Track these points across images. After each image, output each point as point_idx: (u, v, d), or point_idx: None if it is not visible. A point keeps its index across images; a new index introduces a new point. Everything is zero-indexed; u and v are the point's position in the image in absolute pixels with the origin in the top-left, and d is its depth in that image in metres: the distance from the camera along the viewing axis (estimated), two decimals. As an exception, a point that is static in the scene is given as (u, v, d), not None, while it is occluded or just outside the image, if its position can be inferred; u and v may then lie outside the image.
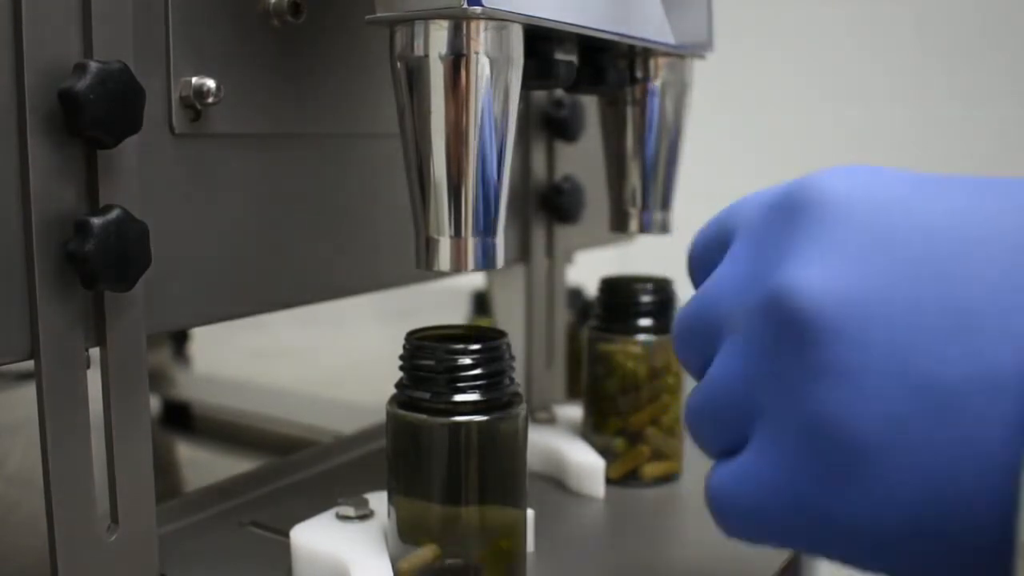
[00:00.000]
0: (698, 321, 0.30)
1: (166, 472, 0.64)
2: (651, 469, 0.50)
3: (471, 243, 0.36)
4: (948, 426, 0.22)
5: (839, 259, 0.25)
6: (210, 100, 0.38)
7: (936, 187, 0.26)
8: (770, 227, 0.28)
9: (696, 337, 0.31)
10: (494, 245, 0.37)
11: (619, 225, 0.51)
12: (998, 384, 0.22)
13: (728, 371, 0.28)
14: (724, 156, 1.65)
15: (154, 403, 0.76)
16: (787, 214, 0.27)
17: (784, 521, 0.26)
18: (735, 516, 0.28)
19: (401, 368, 0.37)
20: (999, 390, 0.22)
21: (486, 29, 0.34)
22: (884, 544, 0.24)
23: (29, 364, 0.33)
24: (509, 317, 0.59)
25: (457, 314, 0.80)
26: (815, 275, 0.25)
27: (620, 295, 0.51)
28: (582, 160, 0.61)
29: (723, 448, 0.29)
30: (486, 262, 0.36)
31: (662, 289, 0.51)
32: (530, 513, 0.40)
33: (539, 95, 0.57)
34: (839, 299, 0.24)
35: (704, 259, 0.33)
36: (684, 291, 0.54)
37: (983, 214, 0.24)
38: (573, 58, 0.45)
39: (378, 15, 0.35)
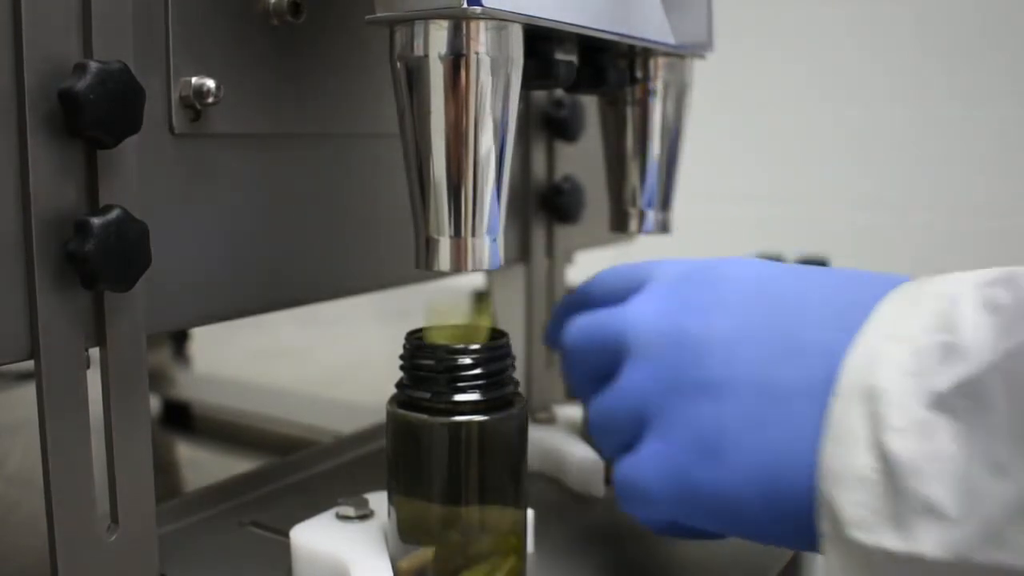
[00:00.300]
0: (609, 337, 0.38)
1: (166, 472, 0.64)
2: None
3: (471, 243, 0.36)
4: (780, 420, 0.32)
5: (725, 311, 0.35)
6: (210, 100, 0.38)
7: (802, 271, 0.37)
8: (682, 285, 0.38)
9: (597, 352, 0.39)
10: (494, 245, 0.37)
11: (619, 225, 0.51)
12: (813, 392, 0.31)
13: (635, 385, 0.36)
14: (724, 156, 1.65)
15: (154, 403, 0.76)
16: (694, 278, 0.38)
17: (669, 496, 0.35)
18: (634, 497, 0.36)
19: (401, 368, 0.37)
20: (813, 395, 0.31)
21: (486, 29, 0.34)
22: (739, 510, 0.33)
23: (29, 364, 0.33)
24: (509, 317, 0.59)
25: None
26: (707, 320, 0.35)
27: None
28: (582, 160, 0.61)
29: (621, 448, 0.37)
30: (486, 262, 0.36)
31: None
32: (530, 513, 0.40)
33: (539, 95, 0.57)
34: (720, 335, 0.35)
35: (607, 288, 0.42)
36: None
37: (817, 282, 0.35)
38: (573, 58, 0.45)
39: (378, 15, 0.35)
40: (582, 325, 0.40)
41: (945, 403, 0.28)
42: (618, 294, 0.40)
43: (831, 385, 0.31)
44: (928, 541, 0.27)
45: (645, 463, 0.35)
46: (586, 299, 0.43)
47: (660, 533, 0.38)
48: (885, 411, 0.29)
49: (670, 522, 0.37)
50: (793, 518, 0.31)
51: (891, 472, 0.28)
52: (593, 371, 0.39)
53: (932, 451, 0.27)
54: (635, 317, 0.37)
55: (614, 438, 0.38)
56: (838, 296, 0.34)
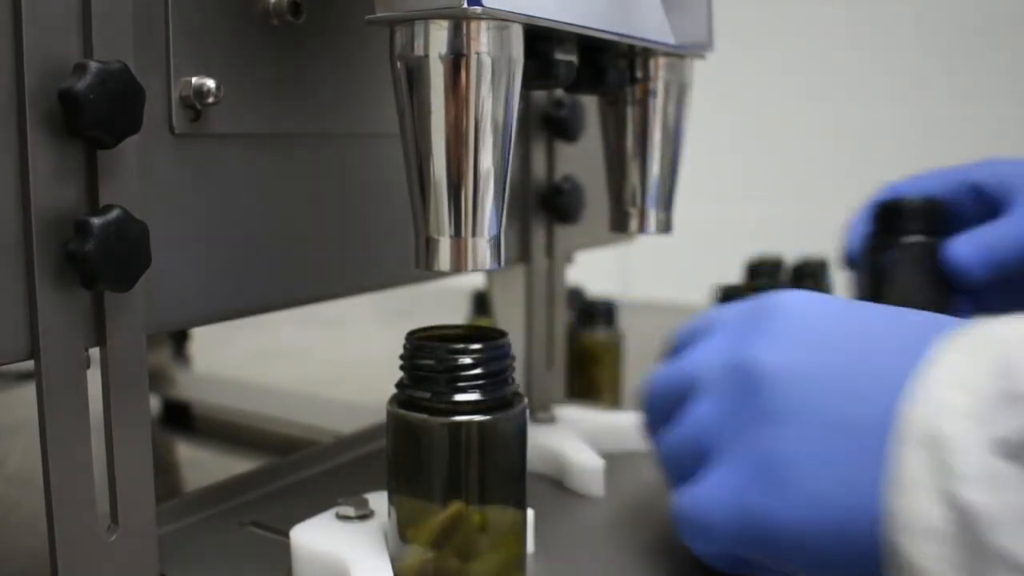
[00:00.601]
0: (677, 382, 0.40)
1: (166, 472, 0.64)
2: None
3: (471, 243, 0.36)
4: (844, 457, 0.32)
5: (785, 343, 0.36)
6: (210, 100, 0.38)
7: (853, 306, 0.37)
8: (742, 322, 0.38)
9: (669, 397, 0.40)
10: (494, 245, 0.37)
11: (619, 225, 0.51)
12: (876, 430, 0.31)
13: (700, 417, 0.37)
14: (724, 156, 1.65)
15: (154, 403, 0.76)
16: (752, 314, 0.38)
17: (730, 526, 0.35)
18: (694, 527, 0.36)
19: (401, 368, 0.37)
20: (876, 436, 0.31)
21: (486, 29, 0.34)
22: (800, 542, 0.32)
23: (29, 364, 0.33)
24: (509, 317, 0.59)
25: (457, 314, 0.80)
26: (767, 351, 0.36)
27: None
28: (582, 160, 0.61)
29: (686, 478, 0.38)
30: (486, 262, 0.36)
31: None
32: (530, 513, 0.40)
33: (539, 95, 0.57)
34: (783, 368, 0.35)
35: (684, 336, 0.43)
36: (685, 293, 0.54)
37: (870, 319, 0.36)
38: (573, 58, 0.45)
39: (378, 15, 0.35)
40: (654, 376, 0.42)
41: (1014, 451, 0.27)
42: (695, 339, 0.41)
43: (893, 428, 0.30)
44: None
45: (706, 493, 0.36)
46: (672, 346, 0.44)
47: (720, 568, 0.38)
48: (952, 459, 0.28)
49: (731, 557, 0.36)
50: (857, 558, 0.31)
51: (966, 524, 0.27)
52: (664, 414, 0.41)
53: (1008, 503, 0.27)
54: (698, 355, 0.39)
55: (679, 471, 0.38)
56: (892, 335, 0.34)
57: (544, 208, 0.58)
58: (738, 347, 0.37)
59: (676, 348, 0.43)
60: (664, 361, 0.44)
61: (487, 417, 0.36)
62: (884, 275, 0.55)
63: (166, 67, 0.37)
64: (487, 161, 0.36)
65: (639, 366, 0.57)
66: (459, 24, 0.34)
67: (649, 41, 0.45)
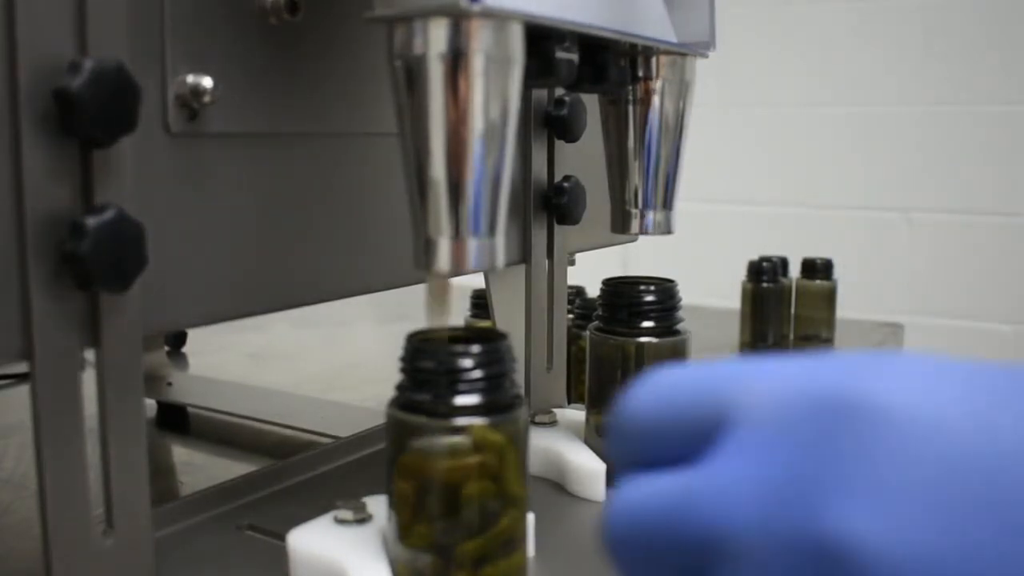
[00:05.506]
0: (676, 534, 0.22)
1: (162, 475, 0.63)
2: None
3: (470, 243, 0.36)
4: None
5: (905, 501, 0.19)
6: (206, 99, 0.37)
7: (999, 398, 0.20)
8: (808, 437, 0.20)
9: (662, 557, 0.22)
10: (494, 245, 0.36)
11: (620, 226, 0.51)
12: None
13: None
14: (726, 155, 1.65)
15: (149, 405, 0.75)
16: (831, 426, 0.20)
17: None
18: None
19: (401, 370, 0.37)
20: None
21: (485, 27, 0.34)
22: None
23: (24, 365, 0.32)
24: (509, 318, 0.59)
25: (457, 314, 0.80)
26: (868, 520, 0.19)
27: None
28: (582, 160, 0.60)
29: None
30: (486, 262, 0.36)
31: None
32: (531, 517, 0.40)
33: (539, 95, 0.57)
34: (904, 553, 0.19)
35: (661, 424, 0.24)
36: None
37: None
38: (574, 56, 0.44)
39: (376, 13, 0.35)
40: (633, 513, 0.23)
41: None
42: (685, 436, 0.23)
43: None
44: None
45: None
46: (633, 438, 0.25)
47: None
48: None
49: None
50: None
51: None
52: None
53: None
54: (726, 498, 0.21)
55: None
56: None
57: (544, 208, 0.58)
58: (796, 497, 0.20)
59: (648, 436, 0.24)
60: (626, 456, 0.25)
61: (487, 420, 0.35)
62: None
63: (162, 65, 0.37)
64: (486, 161, 0.35)
65: (640, 368, 0.57)
66: (458, 22, 0.34)
67: (651, 39, 0.44)
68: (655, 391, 0.25)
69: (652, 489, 0.23)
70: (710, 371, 0.24)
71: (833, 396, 0.20)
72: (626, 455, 0.25)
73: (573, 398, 0.65)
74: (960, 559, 0.18)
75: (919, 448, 0.19)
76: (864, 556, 0.19)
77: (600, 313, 0.52)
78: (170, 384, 0.78)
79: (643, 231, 0.50)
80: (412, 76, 0.35)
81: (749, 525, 0.20)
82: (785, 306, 0.92)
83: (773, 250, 0.96)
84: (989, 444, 0.19)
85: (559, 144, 0.59)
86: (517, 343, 0.57)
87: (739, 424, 0.22)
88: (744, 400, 0.22)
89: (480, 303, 0.77)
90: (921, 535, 0.18)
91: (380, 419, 0.38)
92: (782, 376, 0.22)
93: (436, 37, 0.34)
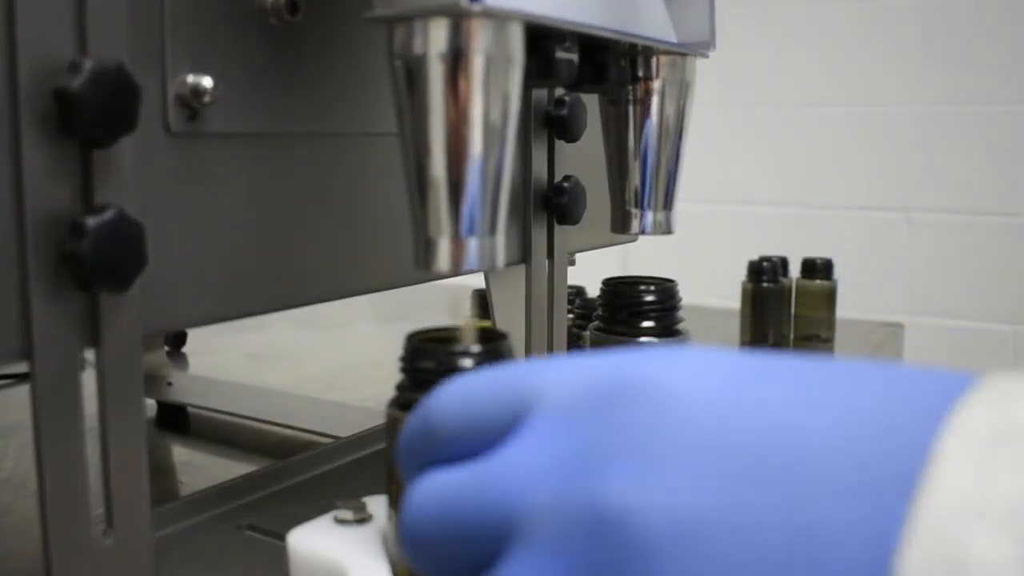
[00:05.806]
0: (472, 514, 0.23)
1: (162, 475, 0.64)
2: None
3: (470, 243, 0.36)
4: None
5: (676, 469, 0.20)
6: (207, 99, 0.37)
7: (770, 379, 0.22)
8: (593, 416, 0.22)
9: (461, 536, 0.23)
10: (494, 245, 0.36)
11: (621, 226, 0.51)
12: None
13: None
14: (726, 155, 1.65)
15: (149, 405, 0.75)
16: (613, 405, 0.22)
17: None
18: None
19: (401, 370, 0.37)
20: None
21: (486, 27, 0.34)
22: None
23: (24, 365, 0.32)
24: (509, 318, 0.59)
25: (457, 314, 0.79)
26: (627, 478, 0.21)
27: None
28: (582, 160, 0.60)
29: None
30: (486, 262, 0.36)
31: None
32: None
33: (539, 95, 0.57)
34: (675, 516, 0.20)
35: (462, 422, 0.25)
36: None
37: (822, 401, 0.20)
38: (574, 56, 0.44)
39: (376, 13, 0.35)
40: (431, 501, 0.24)
41: None
42: (484, 431, 0.25)
43: None
44: None
45: None
46: (432, 440, 0.26)
47: None
48: None
49: None
50: None
51: None
52: (459, 567, 0.24)
53: None
54: (519, 477, 0.23)
55: None
56: (864, 429, 0.20)
57: (545, 208, 0.58)
58: (587, 470, 0.21)
59: (448, 429, 0.25)
60: (415, 448, 0.26)
61: (487, 420, 0.35)
62: None
63: (162, 65, 0.37)
64: (486, 161, 0.35)
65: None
66: (458, 22, 0.34)
67: (651, 39, 0.44)
68: (454, 392, 0.26)
69: (448, 477, 0.24)
70: (508, 371, 0.26)
71: (617, 379, 0.23)
72: (423, 456, 0.26)
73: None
74: (730, 518, 0.19)
75: (694, 422, 0.21)
76: (641, 519, 0.20)
77: (600, 313, 0.52)
78: (170, 384, 0.78)
79: (643, 231, 0.50)
80: (412, 76, 0.35)
81: (540, 500, 0.22)
82: (785, 306, 0.92)
83: (773, 250, 0.96)
84: (759, 419, 0.20)
85: (559, 144, 0.59)
86: (517, 343, 0.57)
87: (534, 413, 0.23)
88: (539, 392, 0.24)
89: (481, 303, 0.77)
90: (693, 498, 0.20)
91: (380, 419, 0.38)
92: (575, 368, 0.24)
93: (436, 37, 0.34)
